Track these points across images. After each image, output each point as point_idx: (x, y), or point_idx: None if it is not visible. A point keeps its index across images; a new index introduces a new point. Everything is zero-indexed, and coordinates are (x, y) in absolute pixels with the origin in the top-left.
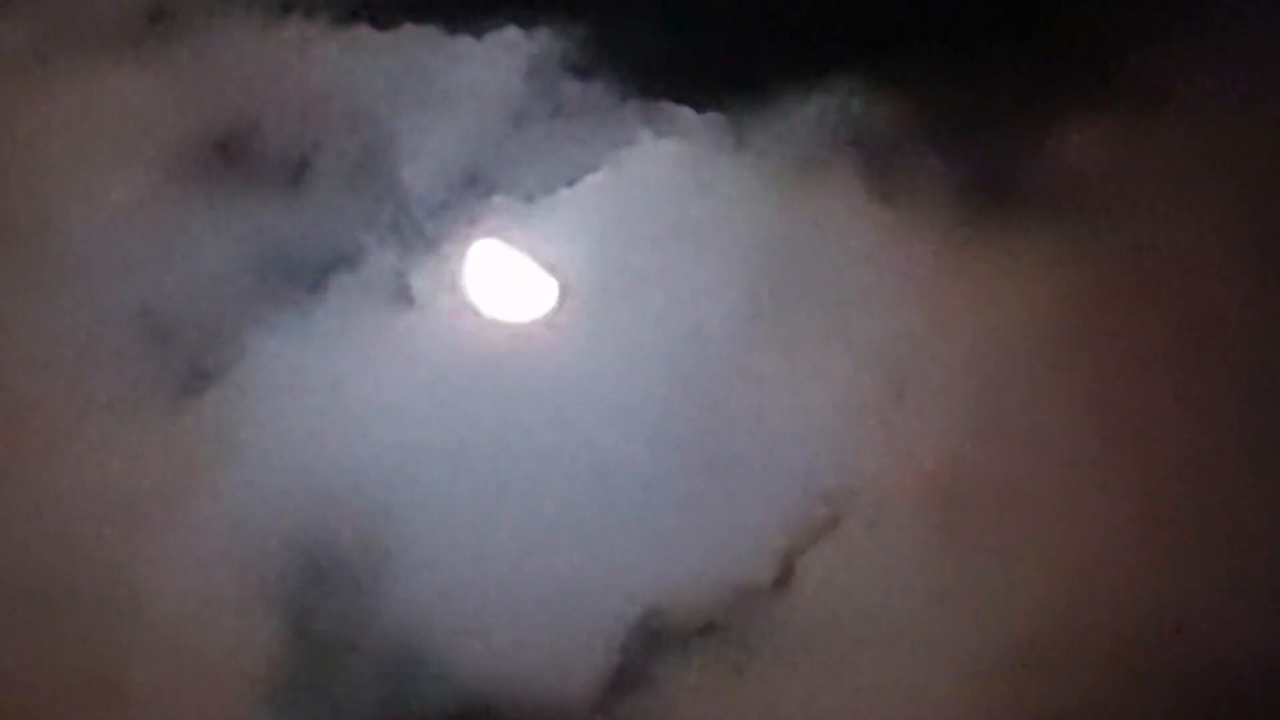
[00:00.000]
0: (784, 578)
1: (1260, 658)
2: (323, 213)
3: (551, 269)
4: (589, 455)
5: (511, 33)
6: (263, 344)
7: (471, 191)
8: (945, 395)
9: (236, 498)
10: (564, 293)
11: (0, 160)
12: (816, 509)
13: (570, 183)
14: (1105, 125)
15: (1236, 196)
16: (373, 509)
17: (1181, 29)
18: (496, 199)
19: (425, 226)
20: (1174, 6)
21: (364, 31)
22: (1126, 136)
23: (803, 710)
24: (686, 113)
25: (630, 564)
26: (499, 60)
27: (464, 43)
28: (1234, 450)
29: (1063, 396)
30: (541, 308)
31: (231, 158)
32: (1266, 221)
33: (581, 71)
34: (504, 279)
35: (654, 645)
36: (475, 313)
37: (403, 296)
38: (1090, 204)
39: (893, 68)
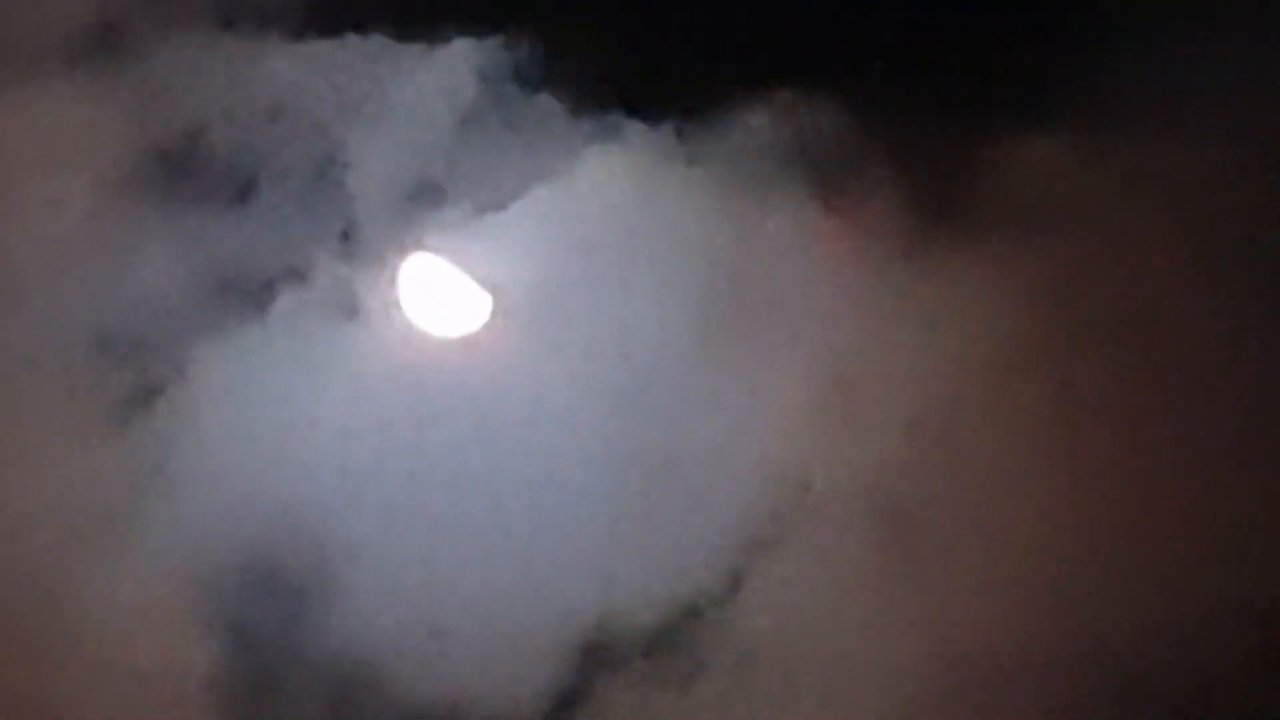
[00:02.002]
0: (729, 594)
1: (1217, 681)
2: (270, 227)
3: (500, 282)
4: (537, 472)
5: (461, 44)
6: (209, 360)
7: (421, 204)
8: (893, 411)
9: (180, 515)
10: (512, 306)
11: None
12: (762, 525)
13: (520, 195)
14: (1053, 141)
15: (1184, 212)
16: (317, 526)
17: (1128, 47)
18: (446, 211)
19: (374, 240)
20: (1122, 26)
21: (312, 44)
22: (1074, 152)
23: None
24: (636, 125)
25: (573, 580)
26: (448, 72)
27: (413, 54)
28: (1186, 467)
29: (1012, 413)
30: (490, 321)
31: (177, 172)
32: (1213, 239)
33: (531, 83)
34: (453, 293)
35: (598, 662)
36: (424, 327)
37: (351, 311)
38: (1038, 219)
39: (842, 82)
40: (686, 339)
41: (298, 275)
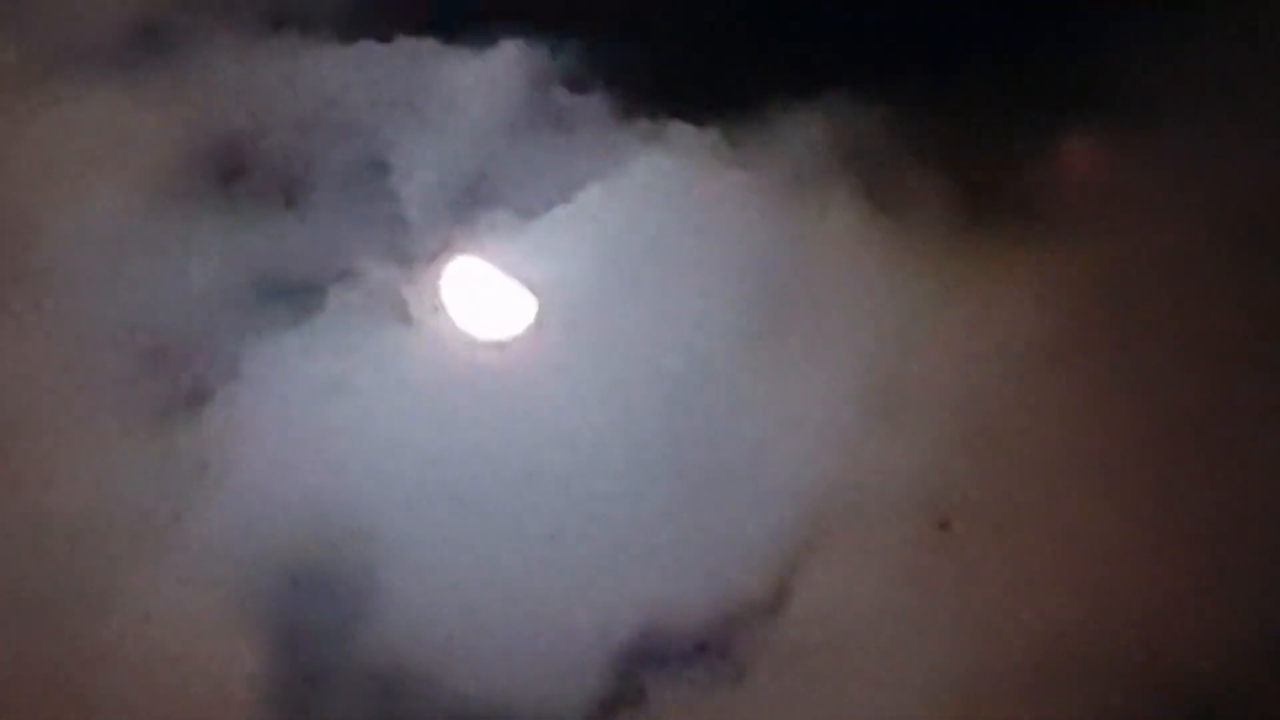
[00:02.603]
0: (778, 596)
1: (1265, 680)
2: (319, 229)
3: (548, 284)
4: (585, 475)
5: (509, 46)
6: (258, 362)
7: (469, 206)
8: (941, 411)
9: (229, 516)
10: (560, 308)
11: None
12: (809, 526)
13: (568, 198)
14: (1100, 137)
15: (1233, 206)
16: (364, 529)
17: (1174, 43)
18: (494, 213)
19: (422, 242)
20: (1167, 21)
21: (361, 45)
22: (1121, 148)
23: None
24: (683, 128)
25: (622, 583)
26: (497, 74)
27: (462, 56)
28: (1236, 464)
29: (1060, 411)
30: (537, 323)
31: (226, 174)
32: (1262, 231)
33: (579, 86)
34: (500, 295)
35: (646, 665)
36: (471, 330)
37: (400, 313)
38: (1086, 216)
39: (887, 82)
40: (733, 341)
41: (347, 277)
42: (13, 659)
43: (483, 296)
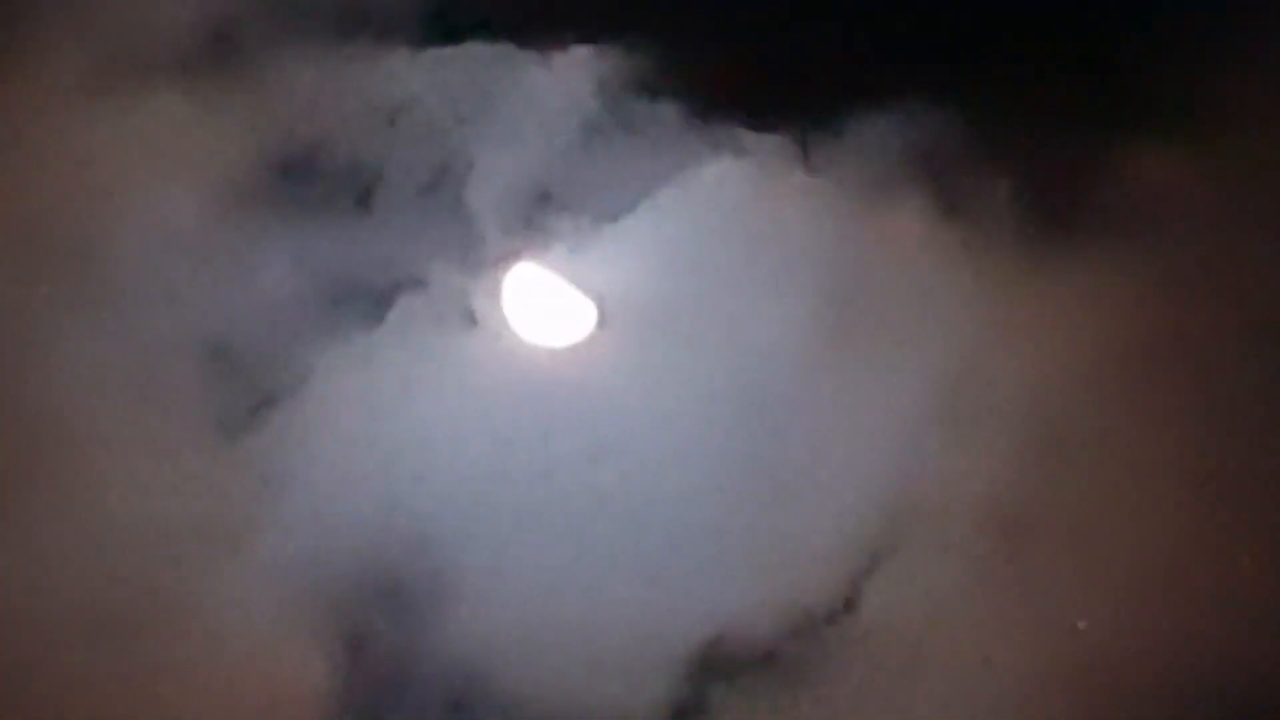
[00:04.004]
0: (844, 604)
1: None
2: (388, 235)
3: (616, 291)
4: (652, 483)
5: (581, 52)
6: (327, 368)
7: (539, 212)
8: (1009, 419)
9: (297, 524)
10: (628, 315)
11: (60, 188)
12: (877, 535)
13: (638, 204)
14: (1172, 143)
15: None
16: (433, 537)
17: (1248, 47)
18: (565, 220)
19: (492, 248)
20: (1240, 25)
21: (432, 51)
22: (1194, 155)
23: None
24: (754, 133)
25: (691, 593)
26: (568, 80)
27: (533, 62)
28: None
29: (1129, 420)
30: (606, 331)
31: (296, 181)
32: None
33: (650, 91)
34: (569, 301)
35: (715, 675)
36: (539, 337)
37: (469, 320)
38: (1158, 223)
39: (960, 88)
40: (803, 348)
41: (416, 284)
42: (83, 672)
43: (551, 303)
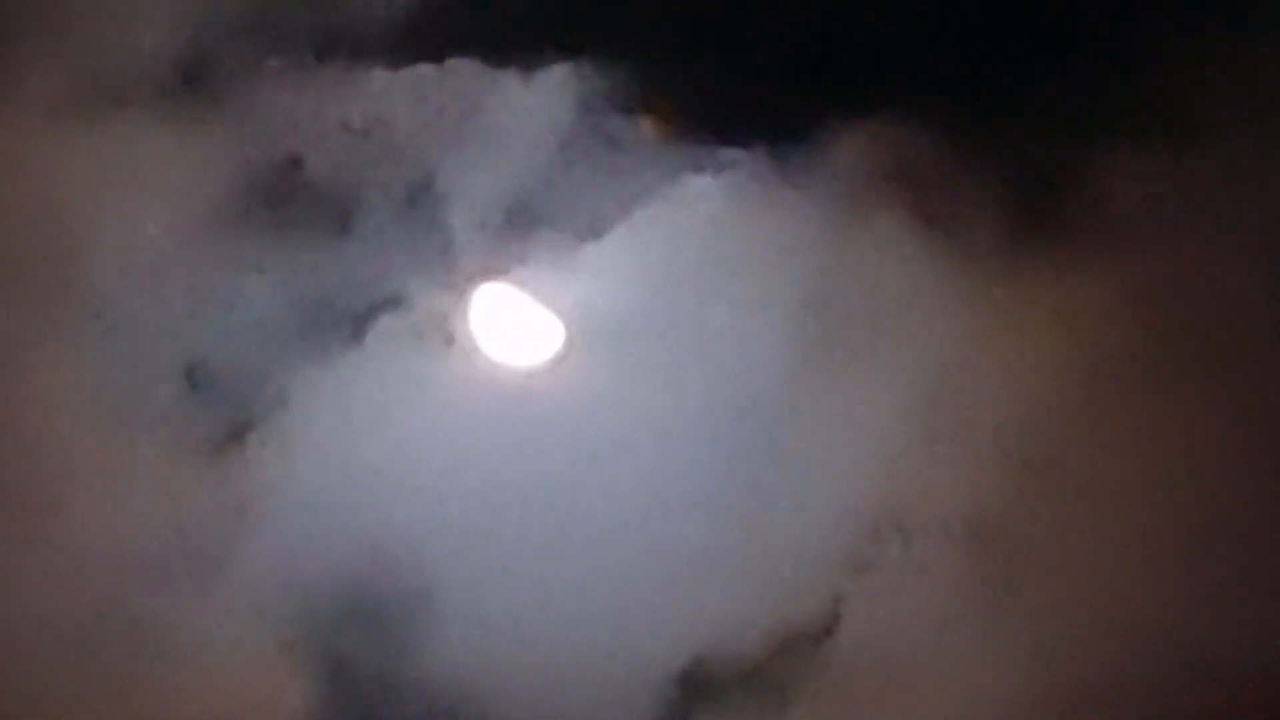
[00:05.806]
0: (827, 622)
1: None
2: (367, 255)
3: (599, 308)
4: (634, 501)
5: (559, 70)
6: (304, 391)
7: (519, 230)
8: (991, 432)
9: (276, 546)
10: (608, 333)
11: (36, 212)
12: (859, 551)
13: (617, 221)
14: (1149, 155)
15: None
16: (413, 556)
17: (1223, 59)
18: (543, 237)
19: (471, 267)
20: (1217, 39)
21: (408, 70)
22: (1168, 164)
23: None
24: (732, 149)
25: (671, 610)
26: (546, 97)
27: (511, 80)
28: None
29: (1111, 432)
30: (586, 349)
31: (273, 202)
32: None
33: (628, 108)
34: (551, 320)
35: (698, 694)
36: (521, 355)
37: (447, 340)
38: (1134, 234)
39: (937, 102)
40: (783, 364)
41: (395, 304)
42: (60, 695)
43: (530, 323)
